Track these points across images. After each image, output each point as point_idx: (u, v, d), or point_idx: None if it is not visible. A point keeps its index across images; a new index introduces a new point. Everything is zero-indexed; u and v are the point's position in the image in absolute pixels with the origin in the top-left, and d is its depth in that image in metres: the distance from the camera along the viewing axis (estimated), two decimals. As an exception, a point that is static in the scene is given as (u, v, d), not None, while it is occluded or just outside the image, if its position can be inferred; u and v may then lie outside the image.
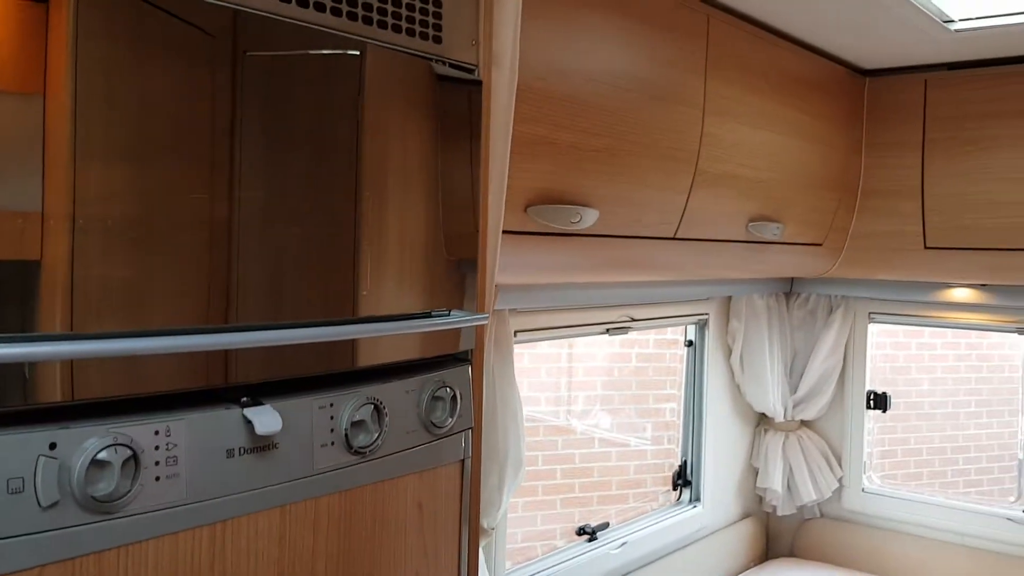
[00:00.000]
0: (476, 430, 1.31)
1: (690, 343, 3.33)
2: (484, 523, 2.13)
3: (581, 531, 2.82)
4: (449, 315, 1.22)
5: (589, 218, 1.88)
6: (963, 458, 7.41)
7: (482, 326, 1.27)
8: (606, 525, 2.89)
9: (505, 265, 1.81)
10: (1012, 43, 2.55)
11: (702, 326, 3.30)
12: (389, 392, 1.19)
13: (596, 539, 2.83)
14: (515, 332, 2.35)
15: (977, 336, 7.32)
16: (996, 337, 7.37)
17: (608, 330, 2.79)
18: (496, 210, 1.29)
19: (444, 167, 1.25)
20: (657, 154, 2.10)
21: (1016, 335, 3.25)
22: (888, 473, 6.39)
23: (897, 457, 6.87)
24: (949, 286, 3.16)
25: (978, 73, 2.74)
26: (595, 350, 6.00)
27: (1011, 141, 2.70)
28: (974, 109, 2.75)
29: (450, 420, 1.27)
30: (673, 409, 3.57)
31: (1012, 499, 6.94)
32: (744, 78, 2.38)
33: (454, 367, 1.29)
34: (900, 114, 2.90)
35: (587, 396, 6.04)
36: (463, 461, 1.29)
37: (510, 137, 1.34)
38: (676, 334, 3.44)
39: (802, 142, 2.70)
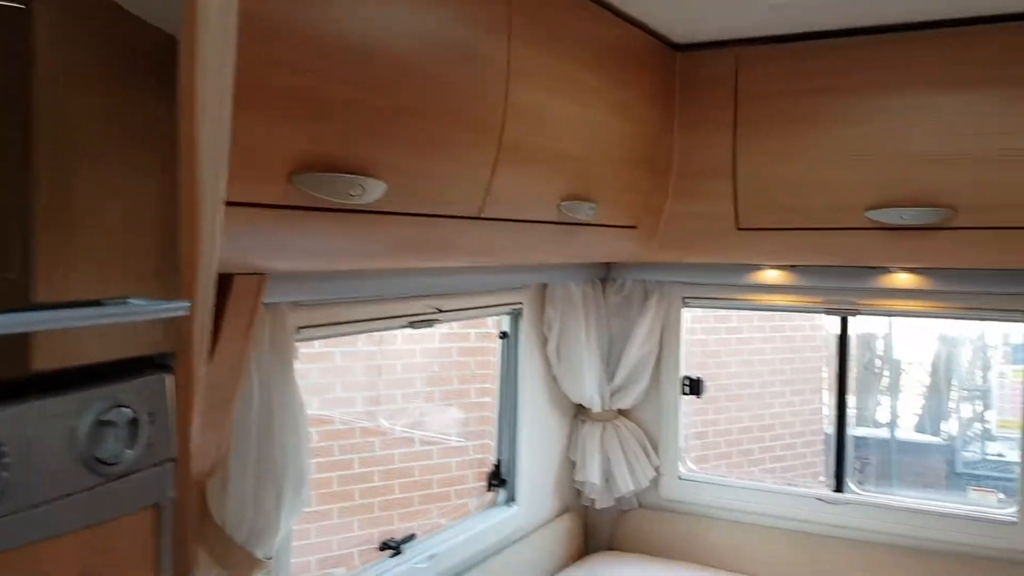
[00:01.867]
0: (182, 462, 0.97)
1: (504, 334, 3.12)
2: (259, 553, 1.81)
3: (384, 546, 2.54)
4: (126, 304, 0.87)
5: (373, 191, 1.59)
6: (769, 435, 7.72)
7: (186, 319, 0.94)
8: (412, 537, 2.63)
9: (265, 247, 1.50)
10: (826, 16, 2.48)
11: (516, 316, 3.10)
12: (17, 421, 0.83)
13: (401, 553, 2.56)
14: (297, 328, 2.03)
15: (781, 319, 7.65)
16: (798, 319, 7.74)
17: (411, 323, 2.52)
18: (213, 171, 0.98)
19: (141, 121, 0.93)
20: (456, 121, 1.85)
21: (824, 315, 3.25)
22: (701, 454, 6.55)
23: (709, 438, 7.04)
24: (760, 268, 3.12)
25: (790, 48, 2.67)
26: (414, 346, 5.73)
27: (823, 118, 2.65)
28: (786, 86, 2.68)
29: (129, 453, 0.92)
30: (491, 404, 3.36)
31: (819, 474, 7.29)
32: (553, 44, 2.17)
33: (139, 378, 0.95)
34: (711, 91, 2.80)
35: (405, 394, 5.75)
36: (158, 506, 0.94)
37: (230, 83, 1.03)
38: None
39: (615, 117, 2.54)
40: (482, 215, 2.02)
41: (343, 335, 2.28)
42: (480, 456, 4.90)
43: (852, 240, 2.74)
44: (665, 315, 3.45)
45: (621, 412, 3.56)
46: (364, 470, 5.49)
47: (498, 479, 3.09)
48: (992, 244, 2.57)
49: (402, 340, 5.59)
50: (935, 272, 2.86)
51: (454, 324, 5.41)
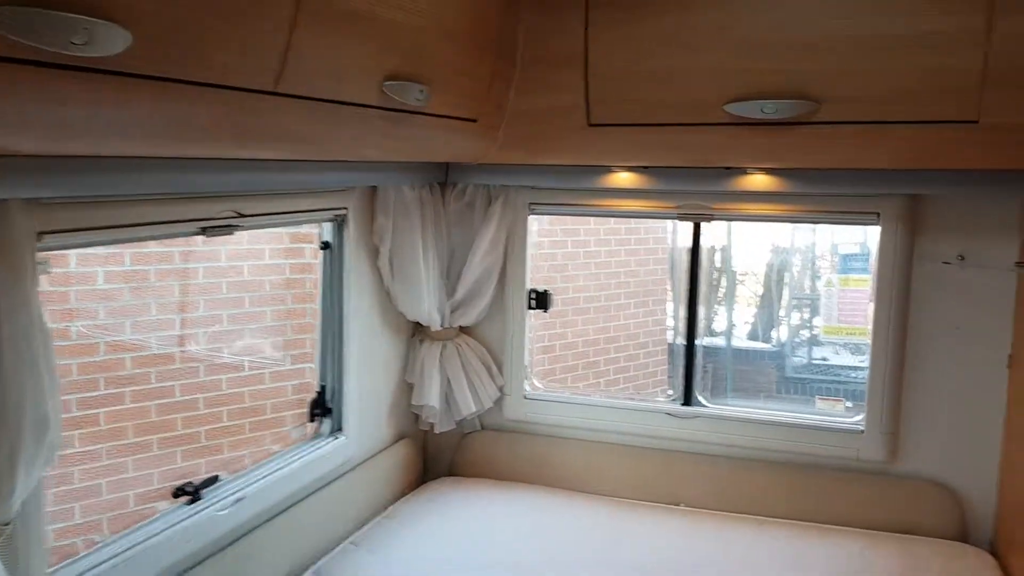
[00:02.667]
0: None
1: (326, 244, 2.73)
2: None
3: (180, 492, 2.16)
4: None
5: (109, 40, 1.17)
6: (614, 347, 7.71)
7: None
8: (215, 480, 2.26)
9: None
10: None
11: (340, 224, 2.71)
12: None
13: (200, 499, 2.18)
14: (38, 234, 1.58)
15: (627, 232, 7.58)
16: (644, 232, 7.69)
17: (205, 230, 2.09)
18: None
19: None
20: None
21: (676, 221, 3.04)
22: (547, 368, 6.43)
23: (556, 352, 6.93)
24: (612, 170, 2.85)
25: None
26: (240, 262, 5.21)
27: (680, 4, 2.37)
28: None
29: None
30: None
31: (663, 384, 7.36)
32: None
33: None
34: (562, -35, 2.46)
35: (232, 315, 5.26)
36: None
37: None
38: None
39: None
40: (279, 89, 1.62)
41: (108, 243, 1.83)
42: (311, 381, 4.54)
43: (710, 137, 2.52)
44: (510, 223, 3.15)
45: (463, 330, 3.27)
46: (187, 398, 5.01)
47: (322, 407, 2.74)
48: (852, 141, 2.40)
49: (226, 257, 5.07)
50: (791, 173, 2.68)
51: (286, 236, 4.94)
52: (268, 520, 2.39)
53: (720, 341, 8.44)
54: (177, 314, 5.08)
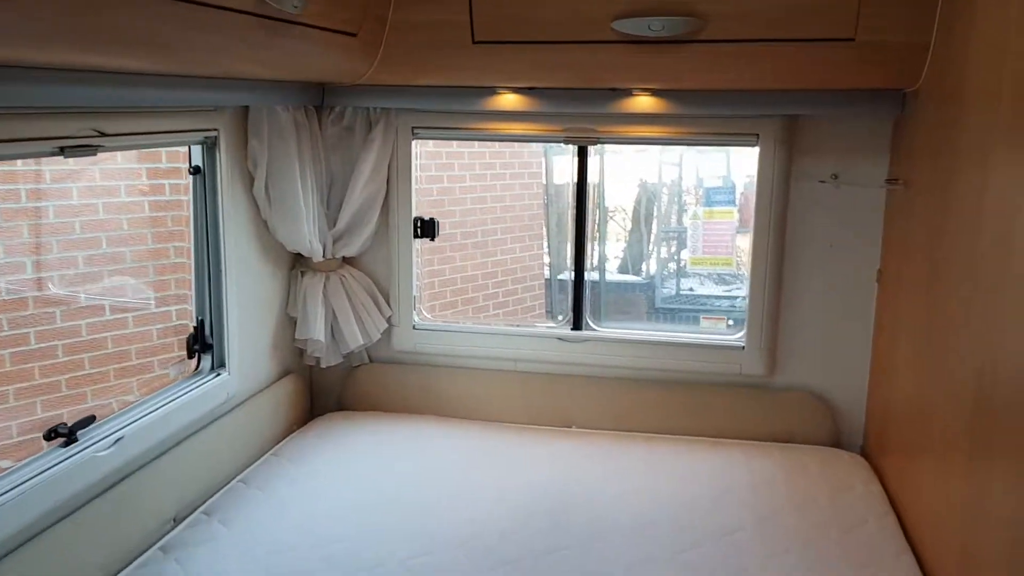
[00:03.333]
0: None
1: (196, 169, 2.55)
2: None
3: (52, 433, 2.00)
4: None
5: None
6: (492, 283, 7.72)
7: None
8: (91, 420, 2.10)
9: None
10: None
11: (211, 147, 2.53)
12: None
13: (76, 440, 2.03)
14: None
15: (502, 167, 7.53)
16: (518, 167, 7.66)
17: (63, 149, 1.90)
18: None
19: None
20: None
21: (563, 145, 3.02)
22: (428, 305, 6.38)
23: (434, 288, 6.87)
24: (496, 92, 2.78)
25: None
26: (94, 200, 4.86)
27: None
28: None
29: None
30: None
31: (540, 317, 7.42)
32: None
33: None
34: None
35: (88, 257, 4.91)
36: None
37: None
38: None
39: None
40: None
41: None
42: (184, 322, 4.31)
43: (597, 56, 2.49)
44: (393, 148, 3.04)
45: (346, 260, 3.16)
46: (44, 345, 4.68)
47: (201, 343, 2.60)
48: (735, 60, 2.43)
49: (79, 195, 4.72)
50: (675, 95, 2.69)
51: (144, 172, 4.62)
52: (152, 460, 2.26)
53: (594, 275, 8.59)
54: (28, 256, 4.71)
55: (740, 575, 2.09)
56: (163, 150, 4.06)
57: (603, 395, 3.06)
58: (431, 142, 5.31)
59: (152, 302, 5.11)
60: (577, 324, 3.14)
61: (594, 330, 3.14)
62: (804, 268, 2.89)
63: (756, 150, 2.84)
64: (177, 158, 3.47)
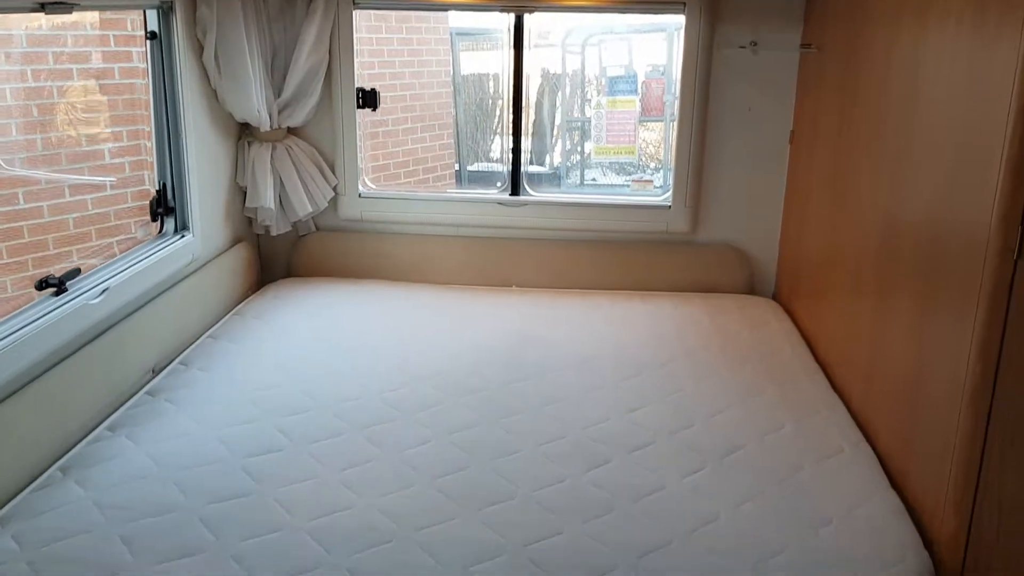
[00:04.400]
0: None
1: (153, 35, 2.58)
2: None
3: (43, 284, 2.10)
4: None
5: None
6: (404, 172, 7.80)
7: None
8: (76, 272, 2.20)
9: None
10: None
11: (167, 11, 2.56)
12: None
13: (66, 291, 2.13)
14: None
15: (409, 54, 7.50)
16: (426, 54, 7.65)
17: (44, 6, 1.93)
18: None
19: None
20: None
21: (504, 15, 3.14)
22: (373, 176, 6.41)
23: (378, 161, 6.93)
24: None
25: None
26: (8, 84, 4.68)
27: None
28: None
29: None
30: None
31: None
32: None
33: None
34: None
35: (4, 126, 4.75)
36: None
37: None
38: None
39: None
40: None
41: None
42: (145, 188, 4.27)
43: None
44: (334, 18, 3.10)
45: (292, 131, 3.24)
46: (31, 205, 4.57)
47: (164, 207, 2.68)
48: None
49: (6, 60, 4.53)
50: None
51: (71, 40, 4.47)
52: (132, 313, 2.37)
53: (498, 167, 8.74)
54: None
55: (675, 394, 2.37)
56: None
57: (541, 256, 3.29)
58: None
59: (85, 171, 5.00)
60: (515, 190, 3.34)
61: (531, 195, 3.34)
62: (724, 132, 3.14)
63: (668, 35, 3.03)
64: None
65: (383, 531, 1.73)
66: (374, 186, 3.45)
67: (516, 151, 3.37)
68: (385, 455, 2.03)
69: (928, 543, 1.69)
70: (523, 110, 3.35)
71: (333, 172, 3.29)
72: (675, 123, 3.18)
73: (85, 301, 2.13)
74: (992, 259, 1.50)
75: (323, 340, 2.69)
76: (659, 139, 7.70)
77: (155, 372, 2.45)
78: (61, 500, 1.80)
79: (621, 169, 9.13)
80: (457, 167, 7.90)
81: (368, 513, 1.79)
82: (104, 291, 2.20)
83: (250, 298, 3.08)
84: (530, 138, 7.84)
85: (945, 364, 1.67)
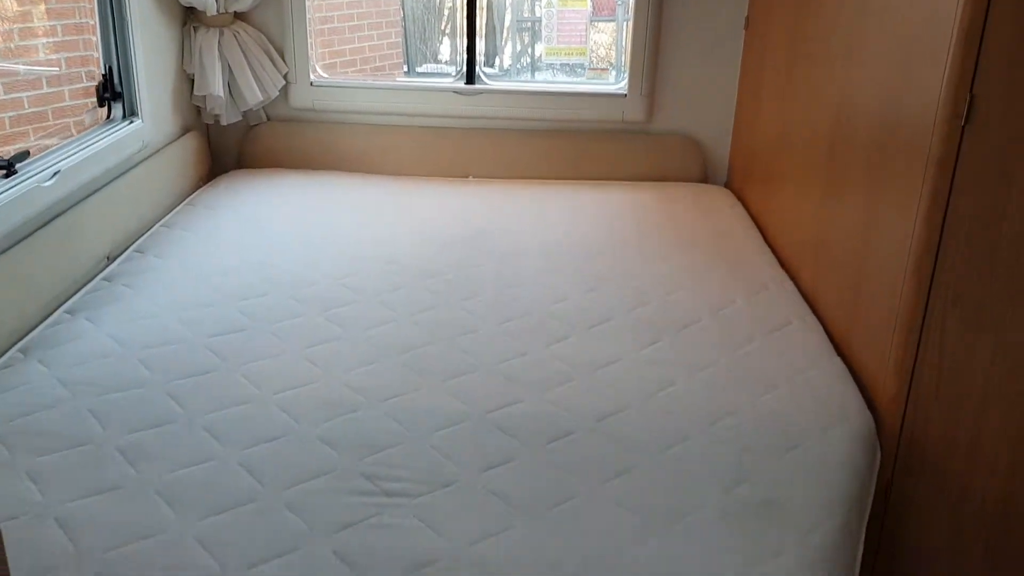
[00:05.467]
0: None
1: (89, -96, 2.46)
2: None
3: (-9, 165, 2.05)
4: None
5: None
6: (351, 71, 7.63)
7: None
8: (26, 154, 2.14)
9: None
10: None
11: None
12: None
13: (16, 172, 2.08)
14: None
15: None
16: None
17: None
18: None
19: None
20: None
21: None
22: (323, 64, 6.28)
23: (324, 61, 6.76)
24: None
25: None
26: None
27: None
28: None
29: None
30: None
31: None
32: None
33: None
34: None
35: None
36: None
37: None
38: None
39: None
40: None
41: None
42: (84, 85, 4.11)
43: None
44: None
45: (239, 16, 3.14)
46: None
47: (111, 91, 2.60)
48: None
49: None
50: None
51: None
52: (84, 199, 2.33)
53: (447, 68, 8.58)
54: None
55: (631, 276, 2.42)
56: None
57: (497, 146, 3.29)
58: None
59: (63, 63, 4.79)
60: (471, 78, 3.30)
61: (487, 84, 3.31)
62: (680, 20, 3.13)
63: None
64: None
65: (349, 402, 1.77)
66: (326, 75, 3.38)
67: (471, 31, 3.31)
68: (347, 334, 2.06)
69: (870, 405, 1.79)
70: (477, 8, 3.28)
71: (284, 60, 3.21)
72: (631, 7, 3.14)
73: (37, 183, 2.08)
74: (940, 127, 1.55)
75: (278, 229, 2.68)
76: (610, 41, 7.62)
77: (110, 259, 2.42)
78: (24, 379, 1.80)
79: (571, 71, 9.03)
80: (406, 68, 7.74)
81: (333, 387, 1.83)
82: (55, 174, 2.15)
83: (202, 188, 3.04)
84: (483, 39, 7.69)
85: (891, 235, 1.74)
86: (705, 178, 3.29)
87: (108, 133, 2.50)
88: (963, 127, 1.52)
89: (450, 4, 8.29)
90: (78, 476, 1.51)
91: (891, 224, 1.75)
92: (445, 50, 8.68)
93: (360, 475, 1.55)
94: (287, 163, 3.28)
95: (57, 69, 4.14)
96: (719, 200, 3.04)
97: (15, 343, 1.97)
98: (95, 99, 2.59)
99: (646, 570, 1.32)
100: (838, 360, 1.94)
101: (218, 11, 3.00)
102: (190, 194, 2.99)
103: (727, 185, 3.27)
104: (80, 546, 1.35)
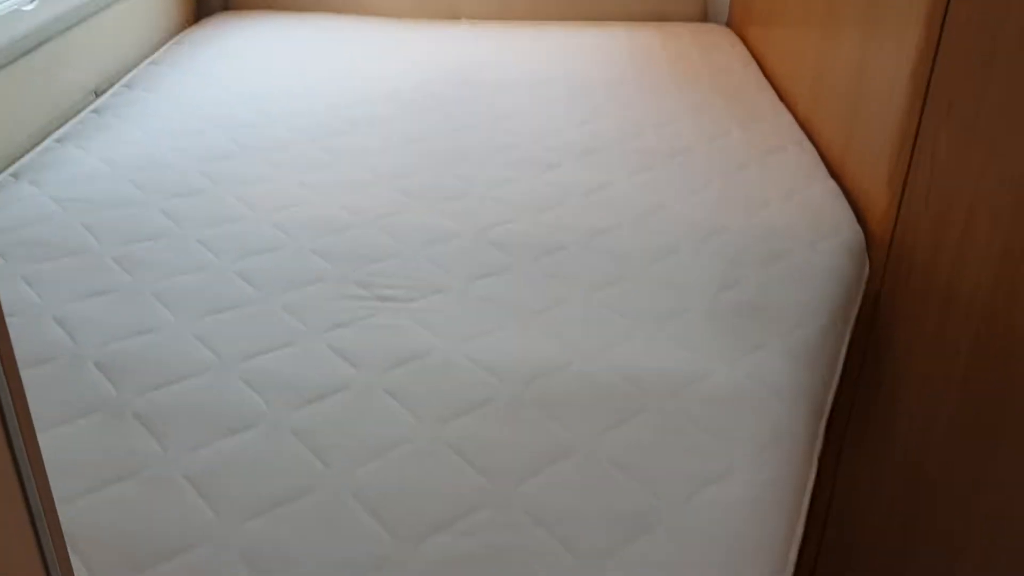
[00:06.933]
0: None
1: None
2: None
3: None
4: None
5: None
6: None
7: None
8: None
9: None
10: None
11: None
12: None
13: (-6, -7, 2.03)
14: None
15: None
16: None
17: None
18: None
19: None
20: None
21: None
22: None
23: None
24: None
25: None
26: None
27: None
28: None
29: None
30: None
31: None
32: None
33: None
34: None
35: None
36: None
37: None
38: None
39: None
40: None
41: None
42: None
43: None
44: None
45: None
46: None
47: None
48: None
49: None
50: None
51: None
52: (67, 29, 2.27)
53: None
54: None
55: (627, 108, 2.38)
56: None
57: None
58: None
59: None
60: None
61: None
62: None
63: None
64: None
65: (343, 221, 1.78)
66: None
67: None
68: (340, 162, 2.05)
69: (862, 221, 1.80)
70: None
71: None
72: None
73: (18, 5, 2.03)
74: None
75: (269, 66, 2.62)
76: None
77: (98, 94, 2.39)
78: (16, 197, 1.80)
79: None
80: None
81: (327, 208, 1.83)
82: (37, -4, 2.09)
83: (188, 29, 2.96)
84: None
85: (889, 49, 1.70)
86: (705, 17, 3.20)
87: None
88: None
89: None
90: (74, 281, 1.53)
91: (889, 39, 1.71)
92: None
93: (354, 283, 1.57)
94: (275, 4, 3.19)
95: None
96: (720, 39, 2.97)
97: (5, 168, 1.96)
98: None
99: (632, 362, 1.35)
100: (831, 182, 1.94)
101: None
102: (176, 34, 2.91)
103: (728, 24, 3.18)
104: (78, 340, 1.38)
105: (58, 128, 2.17)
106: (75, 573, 0.96)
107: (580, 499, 1.09)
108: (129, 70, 2.56)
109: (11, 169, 1.95)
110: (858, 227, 1.76)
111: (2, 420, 0.60)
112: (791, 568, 1.06)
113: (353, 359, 1.35)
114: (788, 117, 2.30)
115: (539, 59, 2.77)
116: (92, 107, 2.30)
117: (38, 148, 2.06)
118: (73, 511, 1.06)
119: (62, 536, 0.68)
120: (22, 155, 2.03)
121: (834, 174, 1.98)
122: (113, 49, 2.50)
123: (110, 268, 1.58)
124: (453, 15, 3.20)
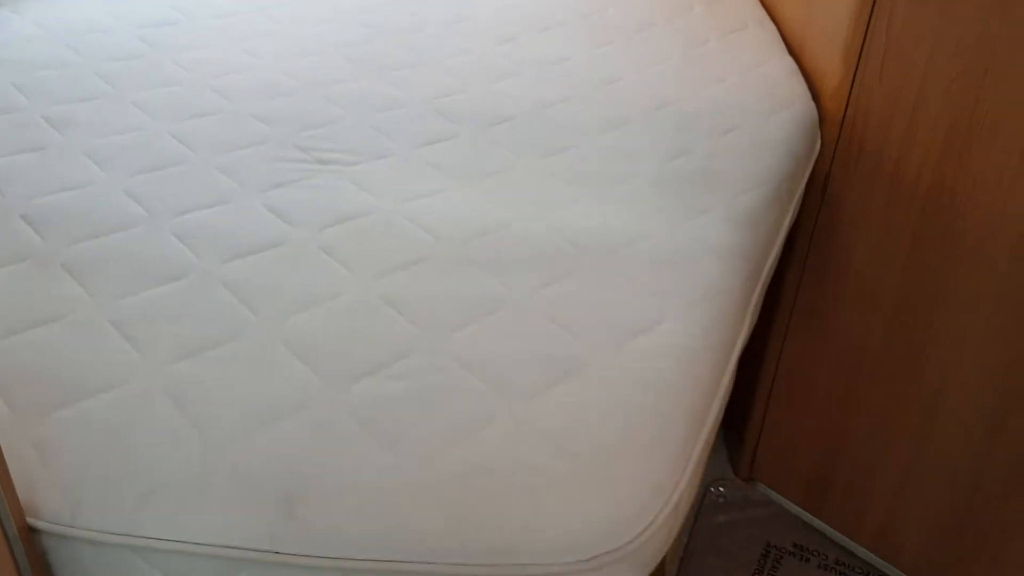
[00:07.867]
0: None
1: None
2: None
3: None
4: None
5: None
6: None
7: None
8: None
9: None
10: None
11: None
12: None
13: None
14: None
15: None
16: None
17: None
18: None
19: None
20: None
21: None
22: None
23: None
24: None
25: None
26: None
27: None
28: None
29: None
30: None
31: None
32: None
33: None
34: None
35: None
36: None
37: None
38: None
39: None
40: None
41: None
42: None
43: None
44: None
45: None
46: None
47: None
48: None
49: None
50: None
51: None
52: None
53: None
54: None
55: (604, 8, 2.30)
56: None
57: None
58: None
59: None
60: None
61: None
62: None
63: None
64: None
65: (287, 86, 1.73)
66: None
67: None
68: (286, 30, 1.98)
69: (816, 97, 1.77)
70: None
71: None
72: None
73: None
74: None
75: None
76: None
77: None
78: (-56, 56, 1.73)
79: None
80: None
81: (271, 74, 1.78)
82: None
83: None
84: None
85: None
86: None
87: None
88: None
89: None
90: (1, 139, 1.48)
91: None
92: None
93: (294, 147, 1.53)
94: None
95: None
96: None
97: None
98: None
99: (574, 223, 1.33)
100: (789, 58, 1.90)
101: None
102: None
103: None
104: (6, 193, 1.33)
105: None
106: (-9, 405, 0.94)
107: (510, 346, 1.09)
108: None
109: (-60, 28, 1.87)
110: (811, 102, 1.74)
111: None
112: (713, 417, 1.07)
113: (289, 217, 1.32)
114: (753, -1, 2.24)
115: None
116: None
117: (-31, 12, 1.97)
118: (-6, 352, 1.04)
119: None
120: (-47, 17, 1.94)
121: (793, 52, 1.94)
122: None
123: (40, 126, 1.53)
124: None
